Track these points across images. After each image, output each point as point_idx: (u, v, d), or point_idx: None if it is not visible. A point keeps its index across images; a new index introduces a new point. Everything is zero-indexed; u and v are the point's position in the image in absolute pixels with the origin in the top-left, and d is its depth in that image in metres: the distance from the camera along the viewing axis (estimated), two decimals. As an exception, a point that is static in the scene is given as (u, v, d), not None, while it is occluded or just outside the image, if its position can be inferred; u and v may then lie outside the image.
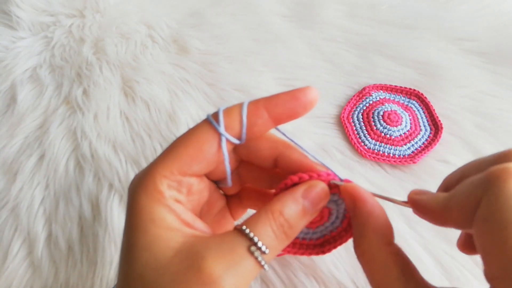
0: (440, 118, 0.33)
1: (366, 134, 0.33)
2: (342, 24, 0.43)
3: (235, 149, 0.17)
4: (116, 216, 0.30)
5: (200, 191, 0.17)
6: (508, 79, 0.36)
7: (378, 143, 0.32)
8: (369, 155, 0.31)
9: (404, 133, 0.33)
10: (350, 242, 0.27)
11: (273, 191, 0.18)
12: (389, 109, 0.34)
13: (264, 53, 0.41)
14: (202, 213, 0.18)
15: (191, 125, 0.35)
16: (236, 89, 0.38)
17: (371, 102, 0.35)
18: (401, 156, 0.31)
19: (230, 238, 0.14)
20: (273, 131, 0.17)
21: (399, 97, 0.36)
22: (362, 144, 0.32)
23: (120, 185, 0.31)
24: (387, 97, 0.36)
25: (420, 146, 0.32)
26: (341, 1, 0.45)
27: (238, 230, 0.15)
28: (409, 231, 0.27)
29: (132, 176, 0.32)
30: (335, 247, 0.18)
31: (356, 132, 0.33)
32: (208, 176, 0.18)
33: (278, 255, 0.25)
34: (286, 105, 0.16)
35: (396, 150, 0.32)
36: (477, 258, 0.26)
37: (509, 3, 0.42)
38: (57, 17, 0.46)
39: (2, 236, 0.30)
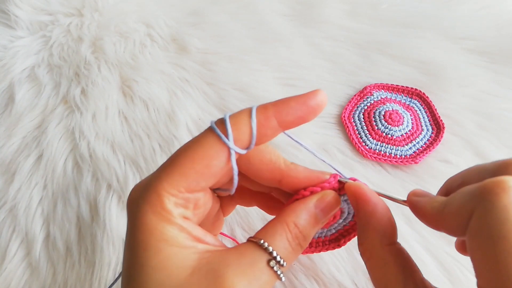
0: (441, 118, 0.33)
1: (367, 134, 0.33)
2: (343, 23, 0.42)
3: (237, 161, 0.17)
4: (114, 217, 0.29)
5: (205, 203, 0.17)
6: (510, 78, 0.36)
7: (379, 143, 0.32)
8: (370, 155, 0.31)
9: (406, 133, 0.32)
10: (350, 244, 0.27)
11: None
12: (391, 109, 0.34)
13: (264, 52, 0.41)
14: (202, 220, 0.18)
15: (190, 125, 0.36)
16: (236, 89, 0.38)
17: (372, 101, 0.35)
18: (403, 156, 0.31)
19: (249, 253, 0.14)
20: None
21: (401, 96, 0.35)
22: (363, 144, 0.32)
23: (118, 186, 0.31)
24: (388, 97, 0.35)
25: (421, 146, 0.32)
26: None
27: (255, 243, 0.15)
28: (410, 232, 0.27)
29: (130, 176, 0.32)
30: (349, 239, 0.19)
31: (357, 132, 0.33)
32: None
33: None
34: (296, 113, 0.15)
35: (398, 150, 0.31)
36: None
37: (511, 2, 0.42)
38: (56, 16, 0.46)
39: (0, 237, 0.30)
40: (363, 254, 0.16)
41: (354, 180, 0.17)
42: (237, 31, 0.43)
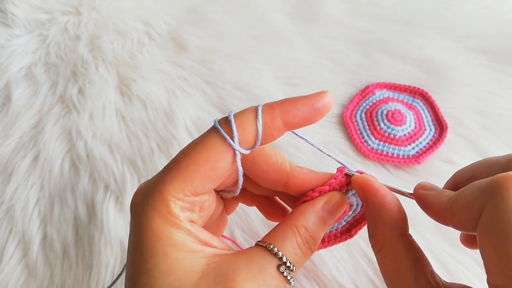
0: (444, 118, 0.33)
1: (369, 134, 0.32)
2: (344, 21, 0.42)
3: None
4: (112, 218, 0.29)
5: (210, 205, 0.16)
6: (514, 77, 0.35)
7: (381, 143, 0.32)
8: (372, 156, 0.31)
9: (408, 133, 0.32)
10: (351, 245, 0.26)
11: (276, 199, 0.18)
12: (393, 108, 0.33)
13: (264, 51, 0.40)
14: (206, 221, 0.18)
15: (189, 124, 0.35)
16: (235, 88, 0.37)
17: (374, 101, 0.34)
18: (405, 156, 0.31)
19: (258, 258, 0.14)
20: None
21: (403, 95, 0.35)
22: (365, 144, 0.32)
23: (116, 187, 0.31)
24: (390, 96, 0.35)
25: (424, 146, 0.31)
26: (343, -3, 0.44)
27: (265, 248, 0.14)
28: (413, 233, 0.26)
29: (128, 177, 0.31)
30: (360, 228, 0.19)
31: (359, 132, 0.33)
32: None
33: None
34: (303, 114, 0.15)
35: (400, 150, 0.31)
36: (481, 260, 0.25)
37: (513, 0, 0.42)
38: (53, 14, 0.45)
39: (-3, 238, 0.29)
40: (374, 245, 0.16)
41: (361, 173, 0.16)
42: (237, 29, 0.42)
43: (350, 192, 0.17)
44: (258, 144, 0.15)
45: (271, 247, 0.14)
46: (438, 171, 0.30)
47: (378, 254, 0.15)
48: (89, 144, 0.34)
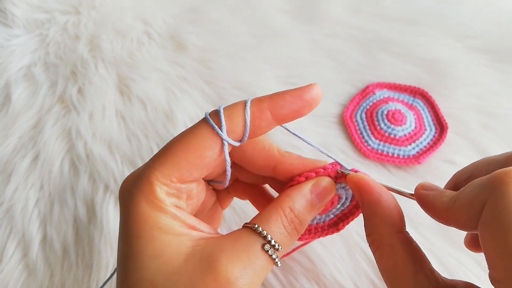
0: (445, 118, 0.32)
1: (370, 134, 0.32)
2: (345, 20, 0.42)
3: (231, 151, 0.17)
4: (112, 218, 0.29)
5: (198, 194, 0.17)
6: (515, 77, 0.35)
7: (382, 143, 0.31)
8: (372, 156, 0.31)
9: (409, 133, 0.32)
10: (351, 245, 0.26)
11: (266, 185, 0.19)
12: (393, 108, 0.33)
13: (264, 49, 0.40)
14: (197, 212, 0.18)
15: (189, 124, 0.35)
16: (235, 87, 0.37)
17: (374, 100, 0.34)
18: (406, 156, 0.31)
19: (243, 238, 0.14)
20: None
21: (404, 95, 0.35)
22: (366, 144, 0.32)
23: (115, 186, 0.31)
24: (391, 96, 0.35)
25: (425, 146, 0.31)
26: (343, -4, 0.44)
27: (250, 228, 0.15)
28: (412, 233, 0.26)
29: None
30: (348, 222, 0.19)
31: (359, 132, 0.32)
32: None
33: (299, 242, 0.25)
34: (291, 106, 0.15)
35: (401, 150, 0.31)
36: (482, 260, 0.25)
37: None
38: (52, 14, 0.45)
39: (-3, 238, 0.29)
40: (371, 244, 0.16)
41: (356, 171, 0.16)
42: (236, 28, 0.42)
43: (339, 185, 0.17)
44: (247, 135, 0.15)
45: (256, 226, 0.14)
46: (439, 171, 0.30)
47: (375, 252, 0.15)
48: (89, 144, 0.34)
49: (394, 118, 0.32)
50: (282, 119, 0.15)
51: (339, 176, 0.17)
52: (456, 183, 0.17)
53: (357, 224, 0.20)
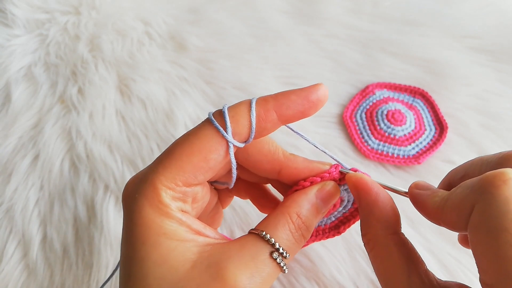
0: (445, 118, 0.33)
1: (370, 134, 0.32)
2: (344, 20, 0.42)
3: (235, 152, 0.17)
4: (112, 218, 0.29)
5: (203, 196, 0.16)
6: (515, 77, 0.35)
7: (381, 143, 0.32)
8: (372, 156, 0.31)
9: (409, 133, 0.32)
10: (351, 245, 0.26)
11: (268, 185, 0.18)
12: (393, 108, 0.33)
13: (264, 50, 0.40)
14: (200, 213, 0.18)
15: (189, 124, 0.35)
16: (235, 88, 0.37)
17: (374, 101, 0.34)
18: (406, 156, 0.31)
19: (251, 245, 0.14)
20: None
21: (403, 95, 0.35)
22: (365, 144, 0.32)
23: (116, 186, 0.31)
24: (391, 96, 0.35)
25: (424, 146, 0.31)
26: (343, -4, 0.44)
27: (257, 235, 0.14)
28: (413, 233, 0.27)
29: (128, 177, 0.31)
30: (349, 226, 0.19)
31: (359, 132, 0.32)
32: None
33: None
34: (297, 107, 0.15)
35: (400, 150, 0.31)
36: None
37: (515, -1, 0.41)
38: (53, 14, 0.45)
39: (-3, 238, 0.29)
40: (366, 244, 0.15)
41: (355, 170, 0.16)
42: (236, 29, 0.42)
43: (342, 187, 0.17)
44: (252, 137, 0.15)
45: (264, 233, 0.14)
46: (439, 171, 0.30)
47: (370, 253, 0.15)
48: (89, 144, 0.34)
49: (394, 118, 0.32)
50: (287, 120, 0.15)
51: (342, 178, 0.17)
52: (450, 181, 0.17)
53: (357, 225, 0.20)
